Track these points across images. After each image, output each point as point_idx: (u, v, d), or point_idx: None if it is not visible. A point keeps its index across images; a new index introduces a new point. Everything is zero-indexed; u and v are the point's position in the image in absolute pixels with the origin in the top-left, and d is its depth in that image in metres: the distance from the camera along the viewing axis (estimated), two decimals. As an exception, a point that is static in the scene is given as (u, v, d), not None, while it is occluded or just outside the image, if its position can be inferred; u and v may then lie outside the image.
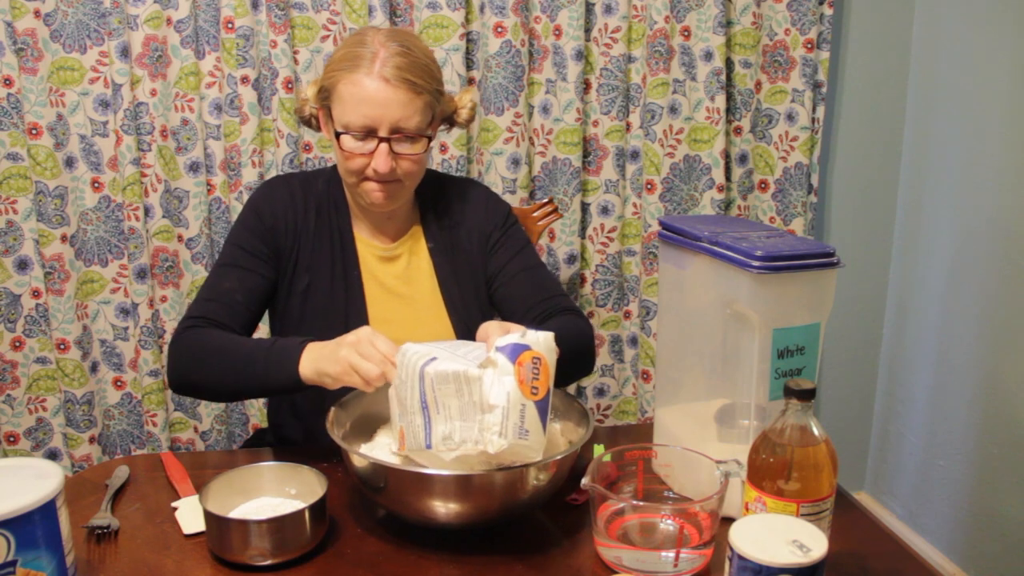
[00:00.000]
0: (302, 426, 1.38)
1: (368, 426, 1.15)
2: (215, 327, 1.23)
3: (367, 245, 1.36)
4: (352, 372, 1.05)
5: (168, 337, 1.91)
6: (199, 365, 1.20)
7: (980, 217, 1.96)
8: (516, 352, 0.93)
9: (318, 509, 0.98)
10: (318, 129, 1.35)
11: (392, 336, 1.06)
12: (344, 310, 1.32)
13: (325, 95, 1.27)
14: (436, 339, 1.07)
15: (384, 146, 1.22)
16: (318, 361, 1.10)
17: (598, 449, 1.21)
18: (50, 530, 0.82)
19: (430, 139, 1.27)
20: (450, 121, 1.39)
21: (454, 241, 1.39)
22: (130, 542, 1.02)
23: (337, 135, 1.24)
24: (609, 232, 2.06)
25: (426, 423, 0.97)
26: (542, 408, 0.94)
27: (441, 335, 1.29)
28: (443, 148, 1.90)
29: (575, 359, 1.25)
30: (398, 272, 1.36)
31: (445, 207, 1.40)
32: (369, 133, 1.22)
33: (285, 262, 1.32)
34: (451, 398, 0.95)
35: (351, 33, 1.46)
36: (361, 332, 1.07)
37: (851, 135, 2.21)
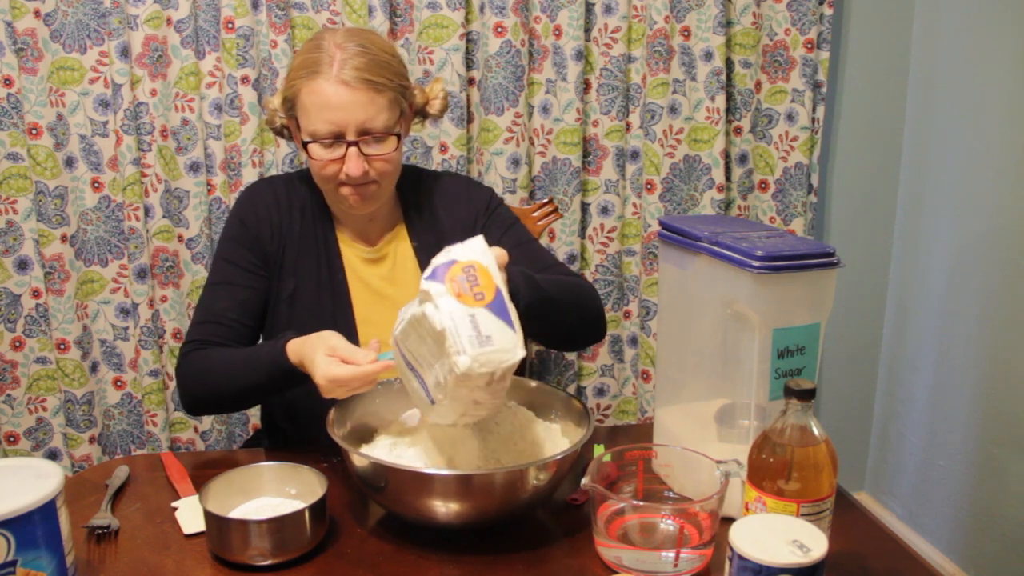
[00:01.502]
0: (296, 429, 1.38)
1: (368, 426, 1.15)
2: (213, 348, 1.24)
3: (351, 247, 1.35)
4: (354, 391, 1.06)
5: (168, 337, 1.91)
6: (203, 381, 1.22)
7: (980, 217, 1.96)
8: (442, 272, 0.91)
9: (318, 509, 0.98)
10: (291, 139, 1.33)
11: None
12: (331, 314, 1.31)
13: (290, 105, 1.25)
14: None
15: (353, 150, 1.20)
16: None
17: (598, 449, 1.21)
18: (50, 530, 0.82)
19: (400, 136, 1.25)
20: (423, 114, 1.36)
21: (438, 238, 1.36)
22: (130, 542, 1.02)
23: (305, 144, 1.22)
24: (609, 232, 2.06)
25: (420, 381, 0.98)
26: (497, 308, 0.91)
27: None
28: (443, 148, 1.90)
29: (578, 310, 1.24)
30: (384, 273, 1.35)
31: (427, 204, 1.38)
32: (337, 138, 1.20)
33: (272, 267, 1.32)
34: (419, 347, 0.95)
35: (309, 37, 1.45)
36: (324, 373, 1.04)
37: (851, 135, 2.20)
